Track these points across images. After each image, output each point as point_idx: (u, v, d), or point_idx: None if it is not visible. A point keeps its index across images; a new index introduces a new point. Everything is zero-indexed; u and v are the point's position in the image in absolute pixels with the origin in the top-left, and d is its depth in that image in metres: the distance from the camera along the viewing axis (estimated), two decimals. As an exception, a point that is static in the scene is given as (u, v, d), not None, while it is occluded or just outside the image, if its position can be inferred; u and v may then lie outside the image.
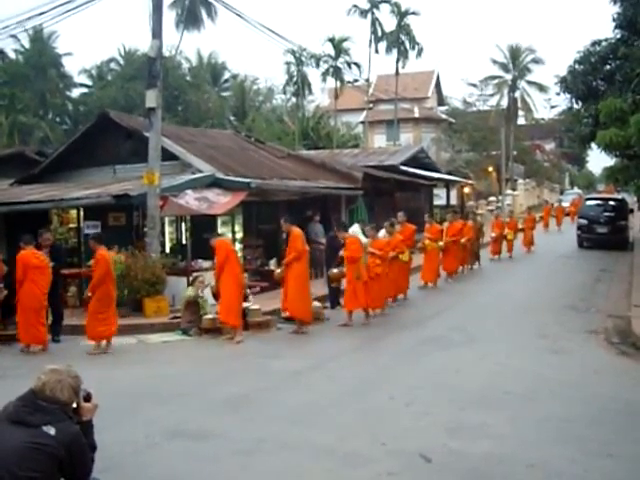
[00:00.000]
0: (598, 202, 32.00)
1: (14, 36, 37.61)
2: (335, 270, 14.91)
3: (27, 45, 54.83)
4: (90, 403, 4.27)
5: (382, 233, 16.18)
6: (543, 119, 62.84)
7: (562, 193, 69.07)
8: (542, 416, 7.90)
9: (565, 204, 49.77)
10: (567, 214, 44.81)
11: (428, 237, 19.58)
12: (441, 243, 19.99)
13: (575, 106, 24.17)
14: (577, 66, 22.53)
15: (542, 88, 55.44)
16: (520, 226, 30.07)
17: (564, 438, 7.20)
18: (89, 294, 12.35)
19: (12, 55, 53.97)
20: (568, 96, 23.73)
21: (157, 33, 15.90)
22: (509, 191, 51.84)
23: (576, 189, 74.01)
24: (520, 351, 11.51)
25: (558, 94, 24.39)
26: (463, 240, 21.32)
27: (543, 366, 10.40)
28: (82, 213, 17.77)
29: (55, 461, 3.84)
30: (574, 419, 7.85)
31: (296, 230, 13.69)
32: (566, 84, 22.90)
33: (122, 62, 60.85)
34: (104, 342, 12.23)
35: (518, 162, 58.16)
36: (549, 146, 71.74)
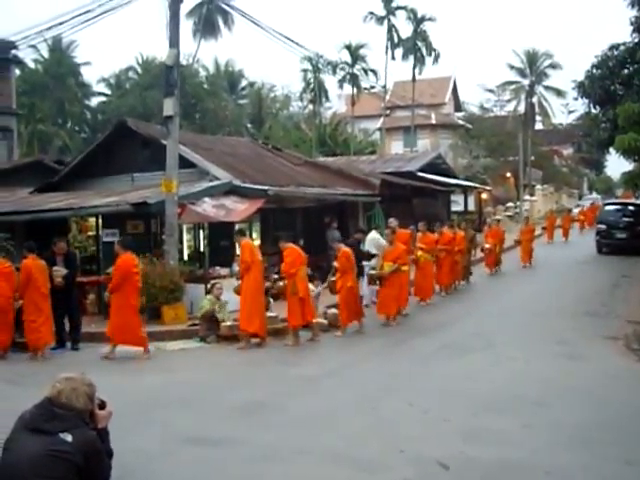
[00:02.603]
0: (617, 207, 31.78)
1: (34, 46, 37.94)
2: (332, 278, 14.91)
3: (46, 55, 55.48)
4: (105, 410, 4.30)
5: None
6: (561, 124, 62.70)
7: (580, 198, 68.73)
8: (559, 422, 7.86)
9: (575, 211, 48.36)
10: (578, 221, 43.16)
11: (421, 248, 17.64)
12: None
13: (593, 111, 24.10)
14: (595, 70, 22.46)
15: (560, 93, 55.25)
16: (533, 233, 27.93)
17: (581, 444, 7.16)
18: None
19: (32, 65, 54.54)
20: (586, 101, 23.67)
21: (174, 42, 16.01)
22: (527, 197, 51.64)
23: (595, 194, 73.59)
24: (538, 357, 11.44)
25: (576, 99, 24.36)
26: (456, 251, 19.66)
27: (561, 372, 10.34)
28: (101, 221, 17.89)
29: (73, 468, 3.86)
30: (591, 425, 7.81)
31: (245, 241, 13.45)
32: (584, 89, 22.83)
33: (140, 71, 61.38)
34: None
35: (536, 167, 57.92)
36: (567, 151, 71.40)
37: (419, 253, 17.40)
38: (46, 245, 13.48)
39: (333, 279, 14.70)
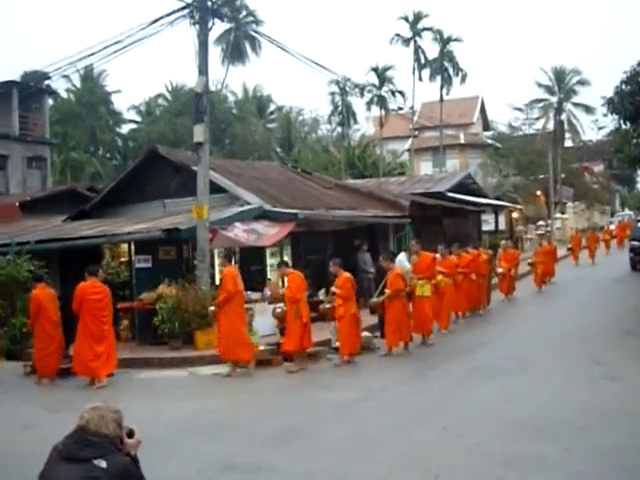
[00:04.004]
0: (650, 224, 31.37)
1: (66, 76, 38.68)
2: (374, 299, 14.79)
3: (78, 84, 56.41)
4: (133, 438, 4.32)
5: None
6: (591, 140, 62.11)
7: (613, 215, 67.92)
8: (598, 447, 7.68)
9: (611, 227, 47.04)
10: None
11: (441, 272, 16.59)
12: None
13: (623, 126, 23.84)
14: (624, 86, 22.23)
15: (589, 109, 54.86)
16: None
17: (620, 470, 7.01)
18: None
19: (64, 94, 55.43)
20: (616, 117, 23.42)
21: (203, 70, 16.21)
22: (558, 214, 51.22)
23: (627, 210, 72.72)
24: (574, 379, 11.25)
25: (605, 115, 24.09)
26: (474, 276, 18.81)
27: (598, 395, 10.14)
28: (133, 247, 18.04)
29: (108, 493, 3.87)
30: (630, 450, 7.63)
31: (228, 269, 13.35)
32: (613, 105, 22.61)
33: (169, 97, 62.17)
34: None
35: (566, 185, 57.48)
36: (598, 168, 70.75)
37: (439, 277, 16.36)
38: (81, 271, 13.67)
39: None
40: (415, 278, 15.06)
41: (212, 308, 13.58)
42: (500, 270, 22.23)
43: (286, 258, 19.87)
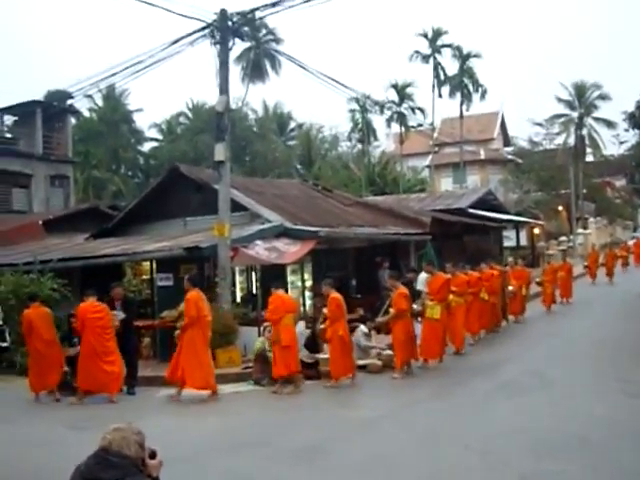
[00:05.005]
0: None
1: (89, 96, 39.08)
2: (379, 319, 14.68)
3: (100, 103, 56.91)
4: (156, 460, 4.33)
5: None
6: (612, 155, 61.66)
7: (635, 230, 67.31)
8: (624, 466, 7.61)
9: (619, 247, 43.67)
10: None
11: (452, 290, 16.01)
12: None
13: (645, 141, 23.75)
14: (646, 100, 22.20)
15: (610, 124, 54.49)
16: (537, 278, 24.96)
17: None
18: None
19: (86, 113, 55.98)
20: (637, 131, 23.35)
21: (224, 89, 16.34)
22: (580, 230, 50.88)
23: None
24: (599, 396, 11.13)
25: (627, 130, 24.03)
26: (486, 296, 18.14)
27: (624, 412, 10.03)
28: (155, 265, 18.13)
29: (131, 515, 3.88)
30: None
31: (191, 294, 12.71)
32: (635, 119, 22.56)
33: (190, 115, 62.57)
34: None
35: (588, 200, 57.12)
36: (620, 182, 70.13)
37: (450, 297, 15.80)
38: (103, 289, 13.77)
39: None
40: (427, 298, 14.80)
41: (177, 332, 13.03)
42: (510, 288, 20.97)
43: (307, 275, 19.97)
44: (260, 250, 16.50)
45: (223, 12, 16.07)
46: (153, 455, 4.33)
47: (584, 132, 56.55)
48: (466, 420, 10.09)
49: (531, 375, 13.00)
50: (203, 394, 12.47)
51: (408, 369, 13.83)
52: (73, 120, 42.10)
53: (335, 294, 13.37)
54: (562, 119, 56.78)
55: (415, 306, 14.69)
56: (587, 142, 57.01)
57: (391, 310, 13.88)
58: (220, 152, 16.18)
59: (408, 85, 53.17)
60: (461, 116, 53.80)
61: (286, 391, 12.62)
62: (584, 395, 11.22)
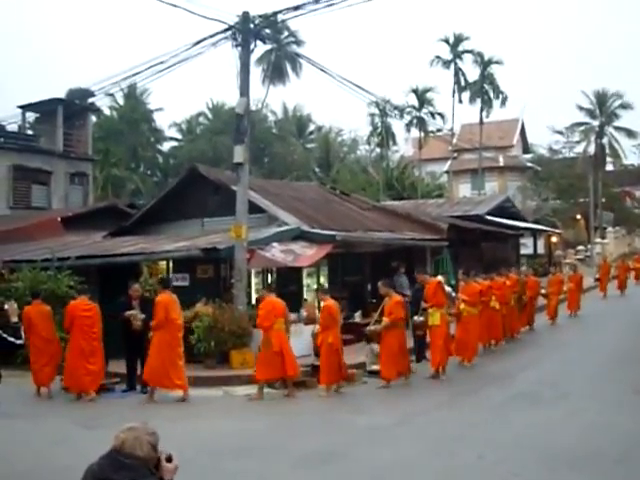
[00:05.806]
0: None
1: (111, 94, 39.30)
2: (420, 318, 14.55)
3: (121, 102, 57.23)
4: (172, 465, 4.34)
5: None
6: (632, 165, 61.29)
7: (654, 241, 66.77)
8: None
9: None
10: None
11: (464, 300, 15.61)
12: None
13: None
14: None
15: (631, 133, 54.26)
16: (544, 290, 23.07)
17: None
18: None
19: (107, 111, 56.30)
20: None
21: (244, 91, 16.36)
22: (598, 239, 50.56)
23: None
24: (615, 408, 11.00)
25: (648, 139, 23.81)
26: (497, 305, 17.45)
27: (638, 424, 9.93)
28: (171, 265, 18.20)
29: (143, 517, 3.90)
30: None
31: (161, 297, 12.80)
32: (656, 130, 22.38)
33: (210, 116, 62.86)
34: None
35: (607, 209, 56.78)
36: (639, 192, 69.79)
37: (461, 306, 15.49)
38: (120, 287, 13.83)
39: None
40: (427, 306, 14.33)
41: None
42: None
43: (323, 279, 19.95)
44: (276, 253, 16.53)
45: (245, 15, 16.10)
46: (169, 459, 4.34)
47: (604, 141, 56.28)
48: (479, 429, 10.02)
49: (545, 385, 12.92)
50: (175, 395, 12.61)
51: (405, 380, 13.52)
52: (94, 118, 42.37)
53: (330, 301, 13.26)
54: (582, 127, 56.55)
55: (416, 317, 14.66)
56: (607, 151, 56.73)
57: (384, 319, 13.34)
58: (239, 154, 16.21)
59: (428, 90, 53.20)
60: (481, 122, 53.69)
61: (255, 396, 12.60)
62: (599, 407, 11.05)
